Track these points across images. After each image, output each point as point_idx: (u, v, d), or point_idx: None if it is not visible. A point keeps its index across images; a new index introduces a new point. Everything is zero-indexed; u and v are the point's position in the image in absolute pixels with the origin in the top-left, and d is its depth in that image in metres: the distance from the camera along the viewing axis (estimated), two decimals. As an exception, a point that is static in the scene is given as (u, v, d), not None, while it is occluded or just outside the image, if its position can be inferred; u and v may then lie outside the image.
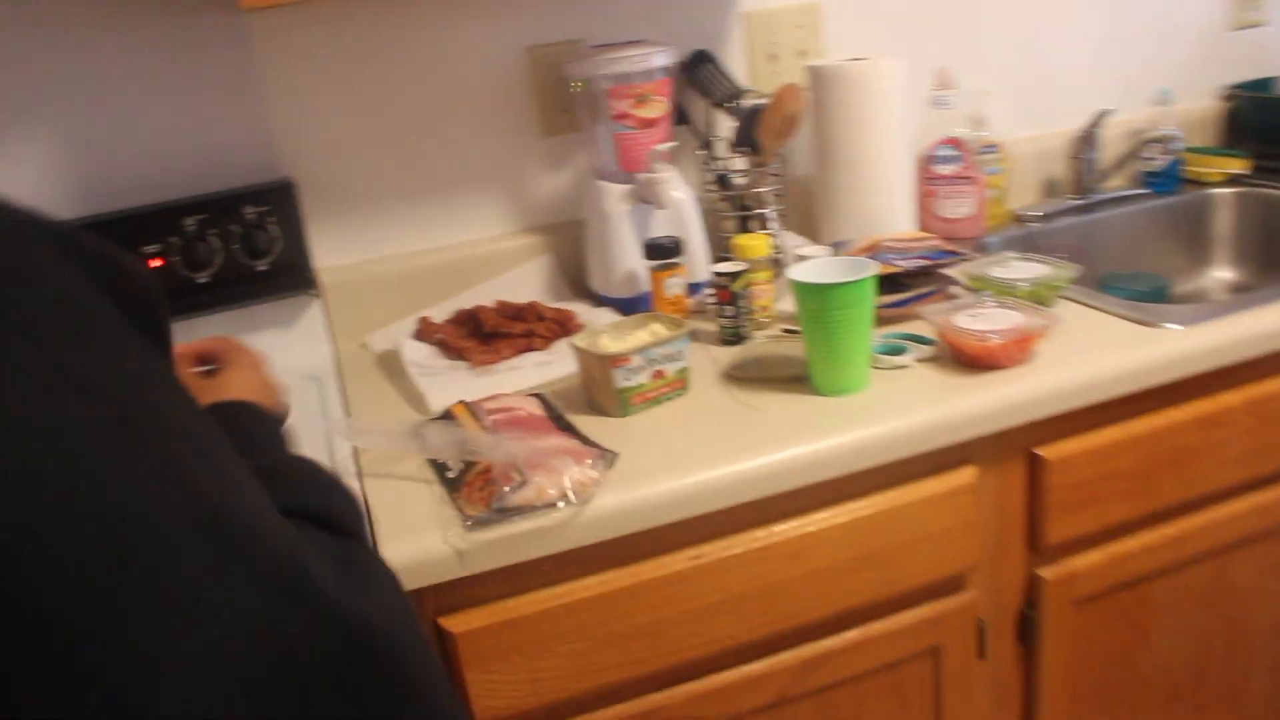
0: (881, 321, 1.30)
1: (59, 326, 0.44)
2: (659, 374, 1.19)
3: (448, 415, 1.19)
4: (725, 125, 1.53)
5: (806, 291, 1.13)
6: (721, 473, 1.04)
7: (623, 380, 1.16)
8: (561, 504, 0.99)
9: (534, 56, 1.53)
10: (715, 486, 1.04)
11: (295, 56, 1.44)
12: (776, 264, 1.47)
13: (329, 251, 1.53)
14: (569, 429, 1.15)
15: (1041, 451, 1.18)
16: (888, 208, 1.54)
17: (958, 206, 1.65)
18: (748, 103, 1.50)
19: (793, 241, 1.49)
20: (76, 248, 0.48)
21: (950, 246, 1.40)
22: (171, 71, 1.40)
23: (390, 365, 1.41)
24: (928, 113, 1.66)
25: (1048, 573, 1.23)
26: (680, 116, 1.54)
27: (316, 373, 1.44)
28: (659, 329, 1.24)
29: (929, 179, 1.65)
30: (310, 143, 1.48)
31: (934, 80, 1.67)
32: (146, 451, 0.45)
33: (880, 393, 1.16)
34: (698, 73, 1.54)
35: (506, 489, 1.00)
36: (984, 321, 1.21)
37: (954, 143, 1.63)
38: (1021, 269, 1.36)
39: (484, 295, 1.53)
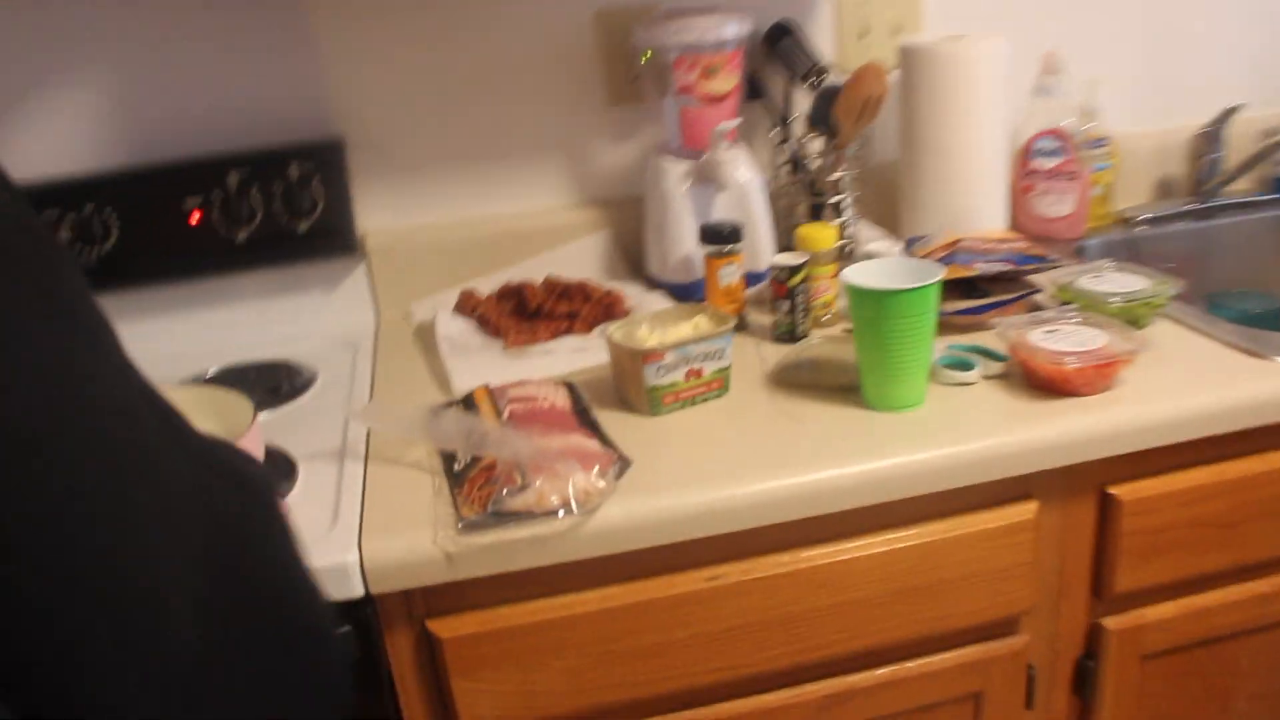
0: (950, 330, 1.18)
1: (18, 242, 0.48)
2: (695, 373, 1.10)
3: (468, 400, 1.12)
4: (804, 104, 1.41)
5: (860, 296, 1.03)
6: (747, 491, 0.95)
7: (654, 378, 1.08)
8: (562, 512, 0.91)
9: (603, 20, 1.43)
10: (738, 506, 0.94)
11: (352, 11, 1.37)
12: (846, 256, 1.36)
13: (377, 215, 1.47)
14: (592, 426, 1.07)
15: (1115, 491, 1.06)
16: (976, 203, 1.41)
17: (1056, 205, 1.50)
18: (829, 81, 1.38)
19: (866, 234, 1.38)
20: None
21: (1039, 250, 1.27)
22: (224, 22, 1.35)
23: (427, 338, 1.35)
24: (1031, 100, 1.52)
25: (1113, 622, 1.11)
26: (755, 91, 1.43)
27: (354, 340, 1.39)
28: (703, 323, 1.15)
29: (1026, 173, 1.51)
30: (364, 101, 1.42)
31: (1040, 64, 1.52)
32: (99, 341, 0.49)
33: (937, 411, 1.05)
34: (778, 46, 1.42)
35: (505, 491, 0.92)
36: (1064, 340, 1.08)
37: (1058, 134, 1.48)
38: (1117, 281, 1.22)
39: (535, 270, 1.45)
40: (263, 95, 1.38)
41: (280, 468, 1.07)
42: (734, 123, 1.31)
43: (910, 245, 1.32)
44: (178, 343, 1.40)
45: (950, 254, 1.26)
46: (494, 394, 1.11)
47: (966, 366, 1.10)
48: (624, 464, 0.97)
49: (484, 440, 0.99)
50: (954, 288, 1.20)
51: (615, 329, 1.14)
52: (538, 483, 0.93)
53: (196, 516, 0.50)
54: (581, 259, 1.48)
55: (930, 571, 1.01)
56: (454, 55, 1.42)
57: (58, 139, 1.35)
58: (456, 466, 1.01)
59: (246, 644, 0.51)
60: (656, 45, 1.32)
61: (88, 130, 1.35)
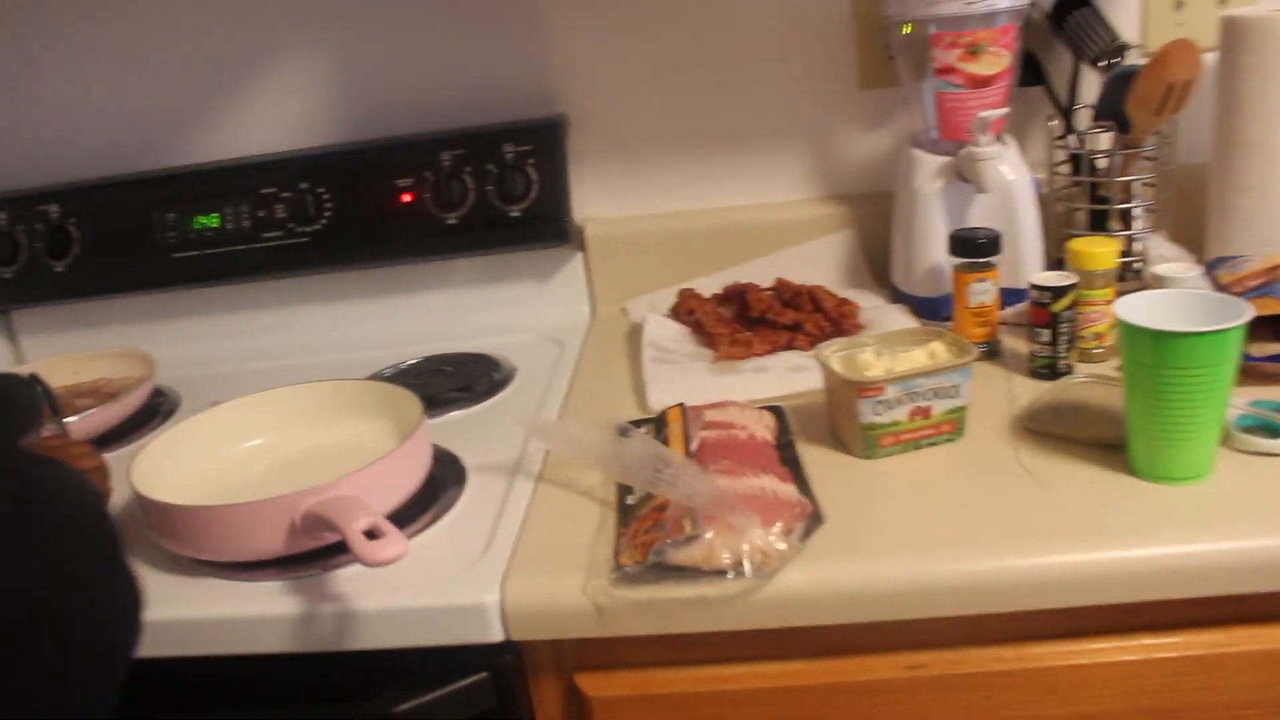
0: (1256, 379, 0.94)
1: None
2: (921, 412, 0.92)
3: (660, 420, 1.00)
4: (1092, 90, 1.19)
5: (1134, 336, 0.81)
6: (966, 569, 0.77)
7: (870, 414, 0.91)
8: (733, 574, 0.77)
9: (857, -10, 1.26)
10: (953, 587, 0.77)
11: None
12: (1129, 278, 1.13)
13: (598, 202, 1.36)
14: (792, 464, 0.92)
15: None
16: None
17: None
18: (1126, 63, 1.15)
19: (1159, 251, 1.14)
20: None
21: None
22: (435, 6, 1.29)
23: (638, 340, 1.23)
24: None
25: None
26: (1033, 75, 1.22)
27: (561, 335, 1.30)
28: (939, 350, 0.97)
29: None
30: (587, 80, 1.32)
31: None
32: None
33: (1228, 487, 0.82)
34: (1067, 19, 1.20)
35: (670, 541, 0.79)
36: None
37: None
38: None
39: (767, 270, 1.31)
40: (481, 73, 1.31)
41: (445, 475, 0.99)
42: (1000, 111, 1.11)
43: (1215, 268, 1.07)
44: (384, 327, 1.36)
45: (1268, 283, 1.01)
46: (688, 415, 0.98)
47: (1274, 431, 0.87)
48: (814, 522, 0.82)
49: (659, 474, 0.86)
50: (1267, 325, 0.96)
51: (833, 350, 0.98)
52: (708, 534, 0.79)
53: None
54: (820, 261, 1.32)
55: (1194, 693, 0.79)
56: (686, 30, 1.29)
57: (278, 117, 1.34)
58: (629, 500, 0.89)
59: None
60: (914, 17, 1.14)
61: (306, 109, 1.33)
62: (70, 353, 1.30)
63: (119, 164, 1.36)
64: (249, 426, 1.04)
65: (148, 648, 0.83)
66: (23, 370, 1.20)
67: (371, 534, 0.77)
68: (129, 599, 0.64)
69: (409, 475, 0.91)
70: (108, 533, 0.65)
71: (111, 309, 1.40)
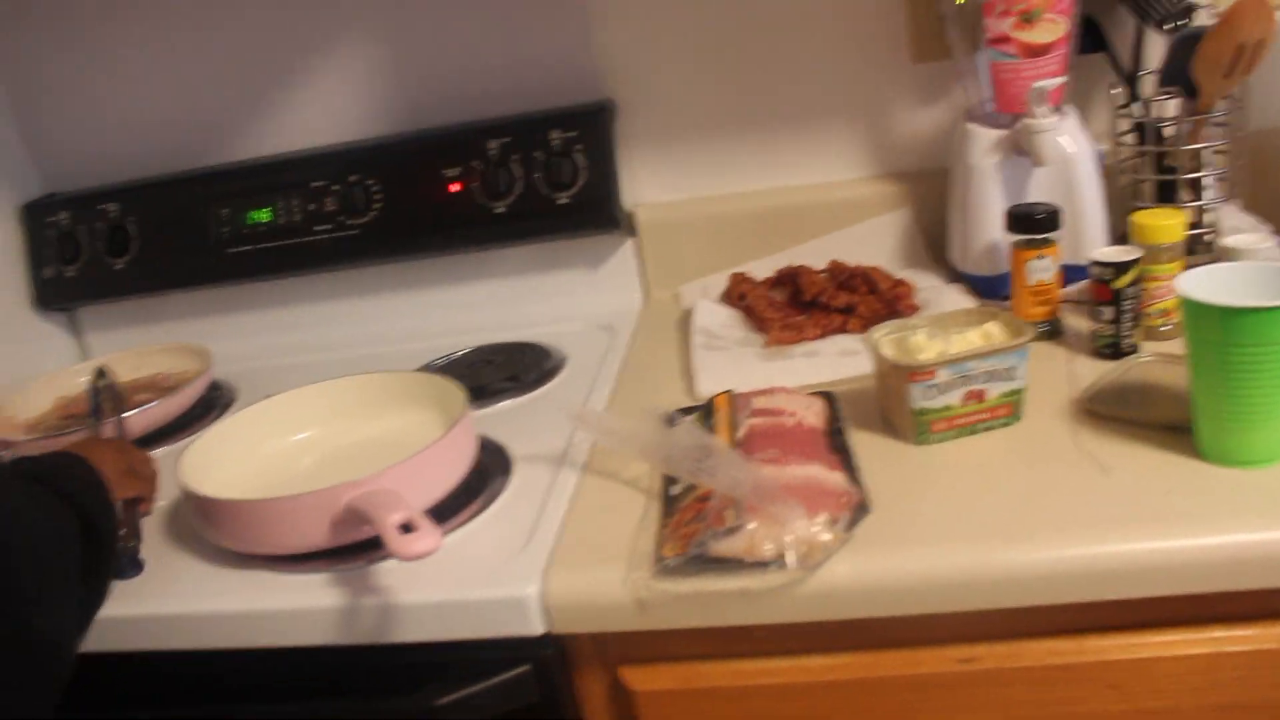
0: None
1: None
2: (975, 395, 0.89)
3: (708, 408, 0.98)
4: (1157, 54, 1.13)
5: (1197, 313, 0.77)
6: (1020, 559, 0.74)
7: (921, 399, 0.88)
8: (776, 565, 0.75)
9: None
10: (1007, 577, 0.74)
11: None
12: (1199, 251, 1.09)
13: (648, 187, 1.34)
14: (842, 452, 0.89)
15: None
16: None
17: None
18: (1195, 23, 1.10)
19: (1231, 222, 1.09)
20: None
21: None
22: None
23: (689, 326, 1.21)
24: None
25: None
26: (1094, 41, 1.17)
27: (612, 322, 1.28)
28: (995, 331, 0.93)
29: None
30: (635, 63, 1.29)
31: None
32: None
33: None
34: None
35: (712, 532, 0.77)
36: None
37: None
38: None
39: (821, 252, 1.28)
40: (527, 59, 1.29)
41: (492, 465, 0.98)
42: (1057, 80, 1.06)
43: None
44: (435, 318, 1.36)
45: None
46: (736, 403, 0.96)
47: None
48: (860, 511, 0.79)
49: (702, 464, 0.84)
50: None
51: (883, 334, 0.95)
52: (751, 525, 0.77)
53: None
54: (875, 241, 1.29)
55: (1268, 689, 0.76)
56: (733, 8, 1.26)
57: (326, 110, 1.34)
58: (674, 490, 0.87)
59: None
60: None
61: (354, 101, 1.33)
62: (130, 348, 1.32)
63: (174, 162, 1.38)
64: (298, 420, 1.04)
65: (191, 640, 0.85)
66: (92, 364, 1.23)
67: (407, 528, 0.76)
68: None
69: (451, 468, 0.91)
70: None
71: (170, 304, 1.42)
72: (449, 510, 0.90)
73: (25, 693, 0.68)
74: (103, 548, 0.81)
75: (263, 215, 1.32)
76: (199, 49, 1.34)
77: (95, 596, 0.80)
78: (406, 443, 0.94)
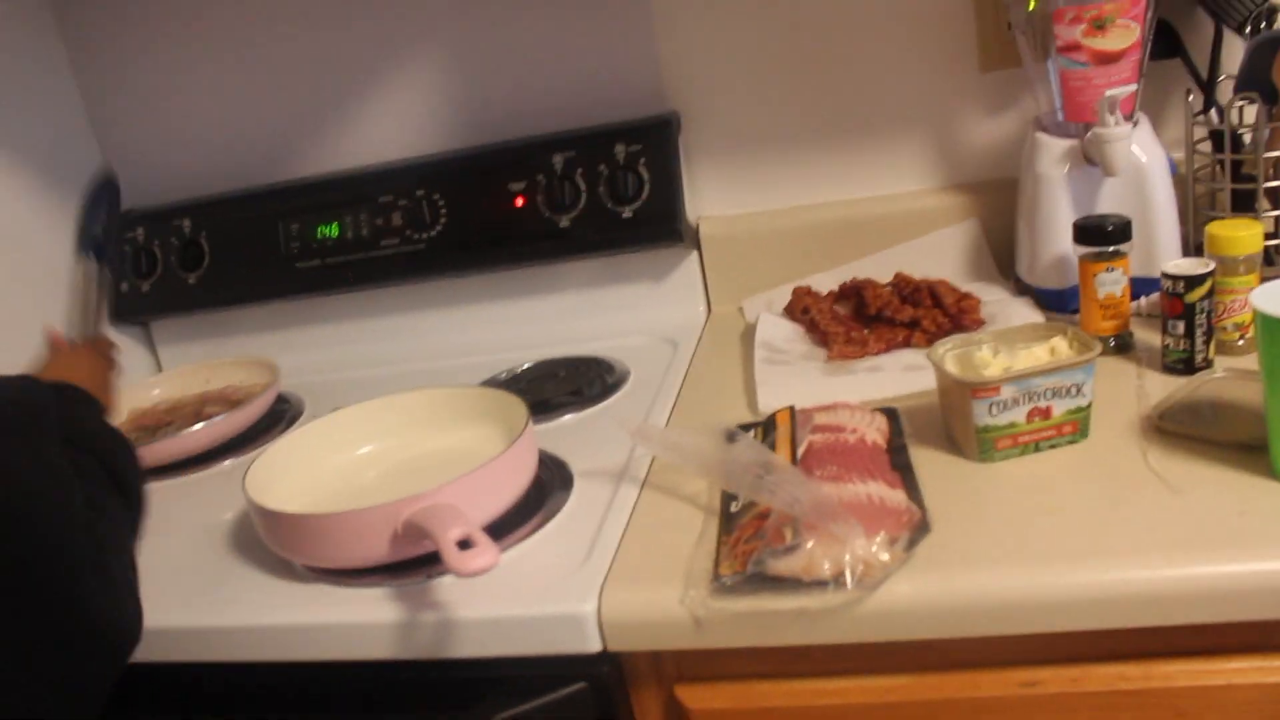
0: None
1: None
2: (1040, 412, 0.87)
3: (769, 423, 0.97)
4: (1236, 59, 1.10)
5: (1272, 328, 0.75)
6: (1085, 580, 0.72)
7: (985, 416, 0.86)
8: (834, 585, 0.74)
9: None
10: (1070, 600, 0.72)
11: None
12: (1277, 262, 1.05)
13: (712, 199, 1.34)
14: (904, 469, 0.88)
15: None
16: None
17: None
18: (1276, 27, 1.07)
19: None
20: None
21: None
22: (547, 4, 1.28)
23: (752, 340, 1.20)
24: None
25: None
26: (1169, 46, 1.14)
27: (676, 336, 1.28)
28: (1061, 346, 0.92)
29: None
30: (697, 75, 1.29)
31: None
32: None
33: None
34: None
35: (770, 550, 0.77)
36: None
37: None
38: None
39: (887, 264, 1.26)
40: (590, 72, 1.30)
41: (552, 480, 0.98)
42: (1128, 88, 1.03)
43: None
44: (500, 331, 1.37)
45: None
46: (797, 418, 0.95)
47: None
48: (920, 531, 0.78)
49: (761, 481, 0.84)
50: None
51: (947, 349, 0.93)
52: (809, 544, 0.76)
53: None
54: (941, 254, 1.27)
55: (1352, 719, 0.73)
56: (795, 18, 1.25)
57: (391, 126, 1.36)
58: (733, 507, 0.87)
59: None
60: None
61: (420, 116, 1.35)
62: (201, 361, 1.35)
63: (245, 178, 1.41)
64: (362, 434, 1.06)
65: (251, 652, 0.86)
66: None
67: (465, 544, 0.77)
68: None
69: (511, 484, 0.91)
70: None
71: (241, 318, 1.45)
72: (509, 525, 0.90)
73: (87, 673, 0.68)
74: (131, 504, 0.82)
75: (331, 230, 1.34)
76: (269, 66, 1.37)
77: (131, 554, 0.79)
78: (468, 457, 0.95)
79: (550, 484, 0.98)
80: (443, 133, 1.34)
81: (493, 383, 1.22)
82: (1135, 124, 1.07)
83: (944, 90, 1.26)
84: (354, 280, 1.35)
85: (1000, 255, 1.25)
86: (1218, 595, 0.71)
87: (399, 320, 1.41)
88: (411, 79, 1.34)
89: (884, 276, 1.23)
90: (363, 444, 1.05)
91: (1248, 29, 1.10)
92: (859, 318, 1.18)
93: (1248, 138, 1.08)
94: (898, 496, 0.82)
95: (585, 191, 1.26)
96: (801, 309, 1.22)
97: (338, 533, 0.85)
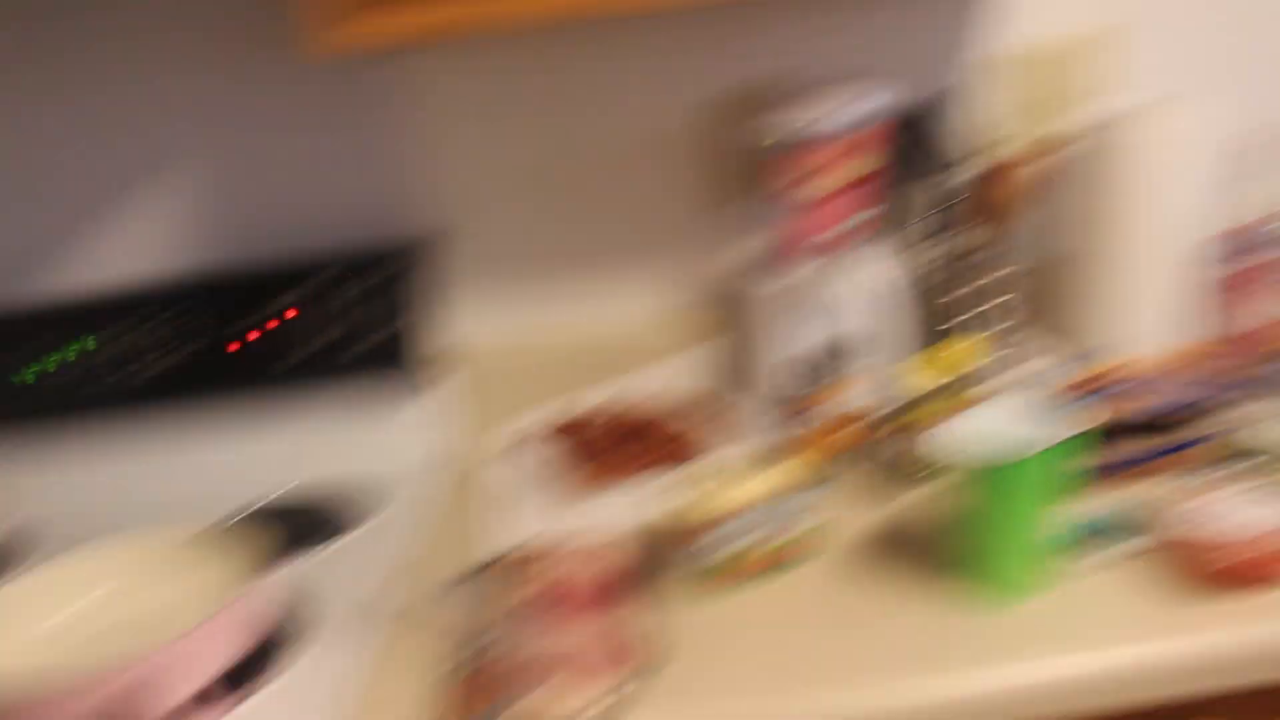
0: (1109, 481, 0.93)
1: None
2: (768, 539, 0.89)
3: (504, 562, 0.96)
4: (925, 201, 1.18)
5: (955, 464, 0.80)
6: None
7: (710, 552, 0.89)
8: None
9: (715, 108, 1.26)
10: None
11: (442, 103, 1.27)
12: (991, 381, 1.13)
13: (471, 321, 1.35)
14: (640, 601, 0.89)
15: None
16: (1156, 311, 1.14)
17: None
18: (956, 177, 1.15)
19: (1026, 351, 1.13)
20: None
21: (1238, 374, 1.00)
22: (306, 118, 1.27)
23: (498, 470, 1.20)
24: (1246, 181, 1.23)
25: None
26: (898, 176, 1.21)
27: (426, 466, 1.26)
28: (786, 472, 0.94)
29: (1238, 273, 1.21)
30: (453, 200, 1.30)
31: (1254, 138, 1.23)
32: None
33: (1060, 603, 0.81)
34: (909, 133, 1.19)
35: (492, 706, 0.75)
36: (1244, 509, 0.81)
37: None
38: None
39: (638, 385, 1.29)
40: (347, 192, 1.29)
41: (284, 630, 0.94)
42: (841, 227, 1.10)
43: (1069, 365, 1.07)
44: (234, 465, 1.29)
45: (1109, 385, 1.01)
46: (524, 560, 0.95)
47: (1106, 541, 0.85)
48: (647, 670, 0.79)
49: (480, 633, 0.83)
50: (1105, 433, 0.95)
51: (673, 484, 0.96)
52: (536, 692, 0.75)
53: None
54: (690, 370, 1.31)
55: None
56: (559, 146, 1.29)
57: (155, 236, 1.31)
58: (465, 655, 0.85)
59: None
60: (764, 136, 1.13)
61: (179, 230, 1.30)
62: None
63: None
64: (79, 586, 0.99)
65: None
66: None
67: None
68: None
69: (215, 654, 0.84)
70: None
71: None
72: (239, 679, 0.86)
73: None
74: None
75: (62, 358, 1.26)
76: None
77: None
78: (181, 614, 0.89)
79: (281, 635, 0.93)
80: (200, 248, 1.31)
81: (224, 523, 1.17)
82: (852, 257, 1.13)
83: (676, 221, 1.32)
84: (86, 409, 1.27)
85: (742, 372, 1.30)
86: (901, 714, 0.74)
87: (136, 453, 1.31)
88: (156, 195, 1.29)
89: (631, 399, 1.26)
90: (78, 597, 0.98)
91: (930, 178, 1.17)
92: (590, 449, 1.19)
93: (959, 266, 1.15)
94: (626, 635, 0.83)
95: (338, 316, 1.23)
96: (556, 434, 1.22)
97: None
